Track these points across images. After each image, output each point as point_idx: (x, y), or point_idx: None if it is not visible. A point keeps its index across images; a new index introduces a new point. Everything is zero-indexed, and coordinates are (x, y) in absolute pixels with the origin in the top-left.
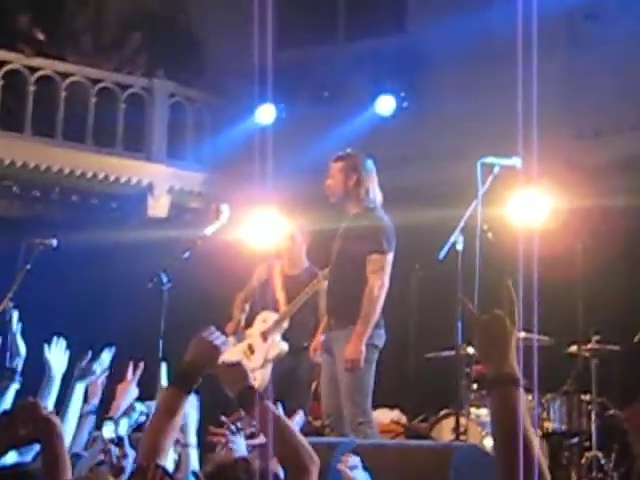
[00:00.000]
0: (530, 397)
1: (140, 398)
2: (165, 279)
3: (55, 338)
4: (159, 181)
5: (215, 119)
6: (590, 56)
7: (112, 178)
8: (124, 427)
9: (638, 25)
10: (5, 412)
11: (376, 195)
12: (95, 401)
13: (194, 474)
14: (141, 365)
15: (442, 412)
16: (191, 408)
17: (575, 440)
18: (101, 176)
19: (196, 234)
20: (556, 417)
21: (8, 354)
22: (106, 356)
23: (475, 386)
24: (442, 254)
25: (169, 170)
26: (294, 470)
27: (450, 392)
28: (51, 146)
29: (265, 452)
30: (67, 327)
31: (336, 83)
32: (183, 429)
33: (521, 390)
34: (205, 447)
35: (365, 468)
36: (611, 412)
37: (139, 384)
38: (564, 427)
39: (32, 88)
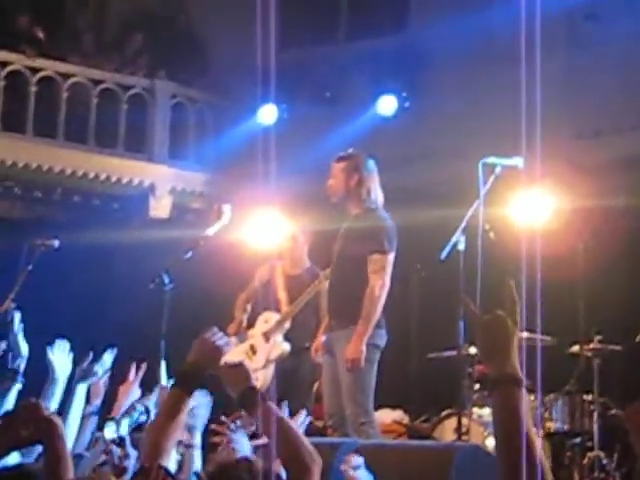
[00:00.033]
0: (532, 397)
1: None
2: (167, 279)
3: (58, 340)
4: (161, 182)
5: (217, 119)
6: (590, 56)
7: (114, 179)
8: (125, 427)
9: (638, 25)
10: (7, 413)
11: (377, 195)
12: (97, 402)
13: (196, 474)
14: (143, 366)
15: (444, 412)
16: (203, 409)
17: (577, 440)
18: (103, 177)
19: (198, 235)
20: (558, 417)
21: (10, 355)
22: (108, 357)
23: (477, 386)
24: (444, 254)
25: (171, 171)
26: (296, 470)
27: (452, 392)
28: (53, 147)
29: (267, 452)
30: (69, 328)
31: (338, 83)
32: (190, 430)
33: (523, 390)
34: (207, 447)
35: (368, 468)
36: (613, 412)
37: (141, 385)
38: (566, 427)
39: (34, 89)
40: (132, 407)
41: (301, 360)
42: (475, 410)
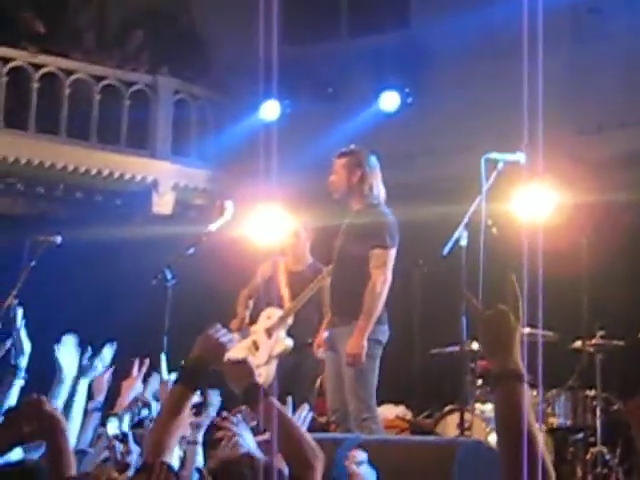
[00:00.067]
0: (535, 392)
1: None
2: (169, 275)
3: (65, 336)
4: (163, 178)
5: (219, 116)
6: (593, 51)
7: (116, 175)
8: (126, 422)
9: None
10: (10, 409)
11: (380, 191)
12: (100, 398)
13: (198, 471)
14: (146, 362)
15: (447, 408)
16: (212, 407)
17: (580, 435)
18: (105, 173)
19: (200, 231)
20: (561, 412)
21: (13, 351)
22: (107, 352)
23: (480, 382)
24: (446, 250)
25: (173, 167)
26: (299, 466)
27: (455, 388)
28: (55, 143)
29: (270, 448)
30: (72, 324)
31: (340, 79)
32: (197, 426)
33: (525, 386)
34: (208, 443)
35: (371, 464)
36: (616, 407)
37: (144, 380)
38: (569, 422)
39: (36, 85)
40: (134, 401)
41: (304, 356)
42: (478, 406)
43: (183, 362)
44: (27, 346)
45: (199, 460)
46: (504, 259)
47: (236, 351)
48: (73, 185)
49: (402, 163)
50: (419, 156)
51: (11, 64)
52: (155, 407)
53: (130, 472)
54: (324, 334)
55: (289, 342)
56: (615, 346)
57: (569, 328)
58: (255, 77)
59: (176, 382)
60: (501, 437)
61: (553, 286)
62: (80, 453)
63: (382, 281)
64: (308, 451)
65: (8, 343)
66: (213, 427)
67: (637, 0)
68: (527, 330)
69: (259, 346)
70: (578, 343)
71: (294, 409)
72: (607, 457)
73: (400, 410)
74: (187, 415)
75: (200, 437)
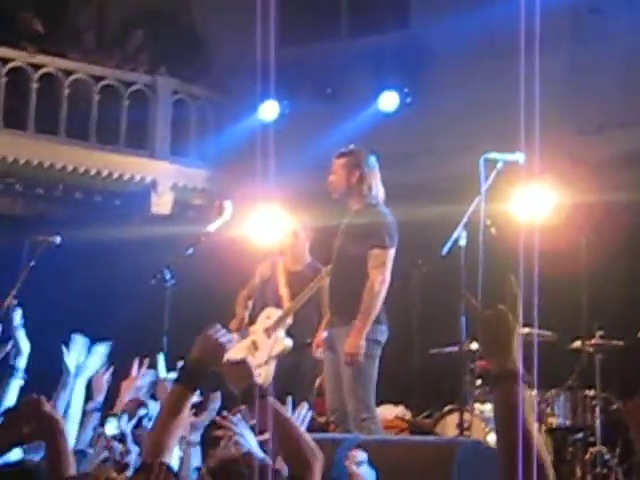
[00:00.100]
0: (534, 392)
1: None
2: (168, 275)
3: (75, 336)
4: (162, 178)
5: (218, 116)
6: (593, 51)
7: (115, 175)
8: (124, 422)
9: None
10: (9, 409)
11: (379, 191)
12: (100, 398)
13: (197, 470)
14: (146, 362)
15: (446, 408)
16: (212, 408)
17: (579, 435)
18: (104, 173)
19: (199, 231)
20: (560, 412)
21: (12, 352)
22: (100, 351)
23: (479, 382)
24: (445, 250)
25: (172, 167)
26: (298, 466)
27: (454, 388)
28: (54, 143)
29: (269, 448)
30: (71, 324)
31: (339, 79)
32: (195, 427)
33: (524, 386)
34: (208, 443)
35: (370, 464)
36: (615, 407)
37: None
38: (568, 422)
39: (35, 85)
40: (131, 404)
41: (303, 356)
42: (477, 406)
43: (182, 362)
44: (26, 346)
45: (196, 460)
46: (503, 259)
47: (235, 351)
48: (72, 185)
49: (401, 163)
50: (418, 156)
51: (10, 64)
52: (154, 406)
53: (129, 472)
54: (323, 334)
55: (288, 342)
56: (614, 346)
57: (568, 328)
58: (254, 77)
59: (176, 382)
60: (500, 437)
61: (552, 286)
62: (79, 453)
63: (380, 281)
64: (307, 451)
65: (9, 345)
66: (212, 426)
67: (637, 0)
68: (526, 330)
69: (258, 346)
70: (577, 343)
71: (293, 409)
72: (606, 457)
73: (399, 410)
74: (187, 415)
75: (198, 438)
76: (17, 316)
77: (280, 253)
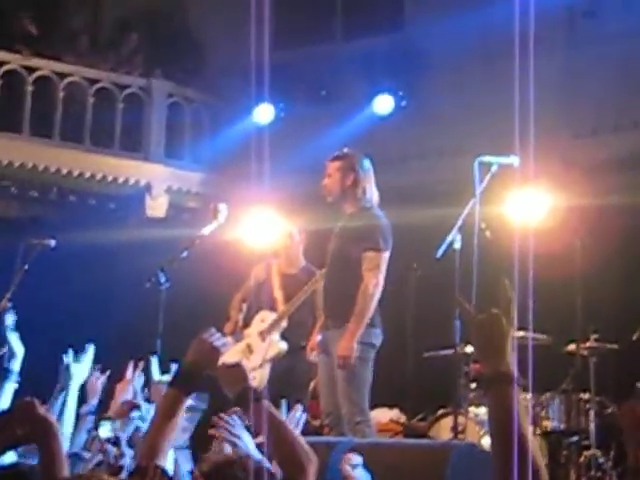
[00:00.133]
0: (528, 395)
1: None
2: (163, 278)
3: (88, 347)
4: (157, 181)
5: (213, 119)
6: (587, 55)
7: (110, 178)
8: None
9: (636, 23)
10: (2, 412)
11: (373, 194)
12: (94, 401)
13: (190, 473)
14: (140, 364)
15: (441, 411)
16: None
17: (574, 439)
18: (99, 176)
19: (194, 234)
20: (555, 416)
21: (6, 355)
22: (90, 354)
23: (473, 385)
24: (440, 253)
25: (167, 170)
26: (292, 470)
27: (448, 391)
28: (49, 146)
29: (265, 451)
30: (65, 326)
31: (334, 83)
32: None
33: (518, 389)
34: (200, 446)
35: (365, 467)
36: (610, 411)
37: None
38: (563, 426)
39: (30, 88)
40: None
41: (297, 359)
42: (471, 409)
43: (177, 366)
44: (19, 349)
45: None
46: (498, 262)
47: (230, 354)
48: (67, 188)
49: (396, 166)
50: (413, 159)
51: (5, 67)
52: (146, 408)
53: (123, 475)
54: (317, 337)
55: (283, 345)
56: (609, 349)
57: (563, 331)
58: (249, 80)
59: (170, 386)
60: (494, 440)
61: (547, 289)
62: (74, 456)
63: (374, 284)
64: (301, 455)
65: (5, 349)
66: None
67: (632, 4)
68: (521, 333)
69: (253, 349)
70: (572, 346)
71: (287, 412)
72: (601, 460)
73: (394, 413)
74: (181, 419)
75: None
76: (9, 319)
77: (274, 256)
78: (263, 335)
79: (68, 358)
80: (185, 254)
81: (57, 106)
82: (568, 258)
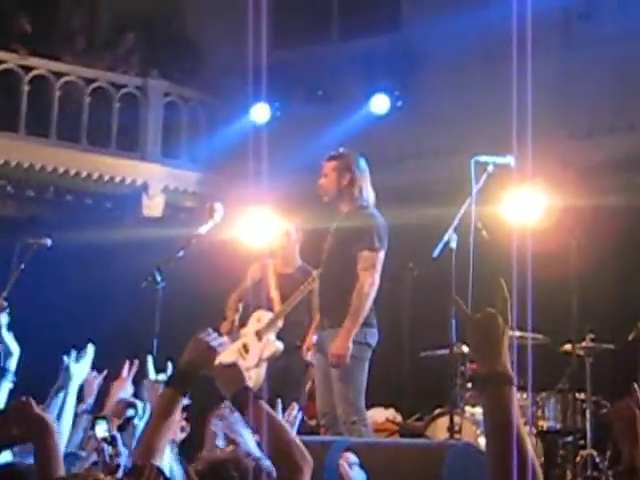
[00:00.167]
0: (525, 395)
1: (135, 395)
2: (159, 278)
3: (89, 347)
4: (154, 180)
5: (210, 118)
6: (583, 56)
7: (106, 178)
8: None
9: (631, 25)
10: None
11: (369, 194)
12: (90, 400)
13: (185, 472)
14: (136, 362)
15: (437, 411)
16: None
17: (570, 438)
18: (95, 176)
19: (190, 233)
20: (551, 415)
21: (2, 353)
22: (90, 354)
23: (470, 385)
24: (436, 252)
25: (164, 169)
26: (287, 469)
27: (445, 391)
28: (45, 146)
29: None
30: (62, 326)
31: (330, 82)
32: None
33: (514, 389)
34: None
35: (362, 467)
36: (605, 410)
37: (133, 382)
38: (559, 425)
39: (26, 88)
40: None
41: (293, 359)
42: (468, 408)
43: (174, 366)
44: (15, 348)
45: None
46: (494, 261)
47: (226, 354)
48: (63, 188)
49: (392, 165)
50: (409, 158)
51: (1, 66)
52: (140, 406)
53: (119, 474)
54: (313, 337)
55: (279, 345)
56: (605, 349)
57: (559, 331)
58: (246, 79)
59: (167, 385)
60: (489, 439)
61: (543, 289)
62: (71, 456)
63: (370, 283)
64: (297, 454)
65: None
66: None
67: (627, 6)
68: (517, 333)
69: (249, 349)
70: (568, 346)
71: (283, 412)
72: (597, 460)
73: (390, 413)
74: (178, 418)
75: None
76: (3, 318)
77: (271, 255)
78: (259, 335)
79: (69, 359)
80: (181, 253)
81: (54, 105)
82: (564, 258)
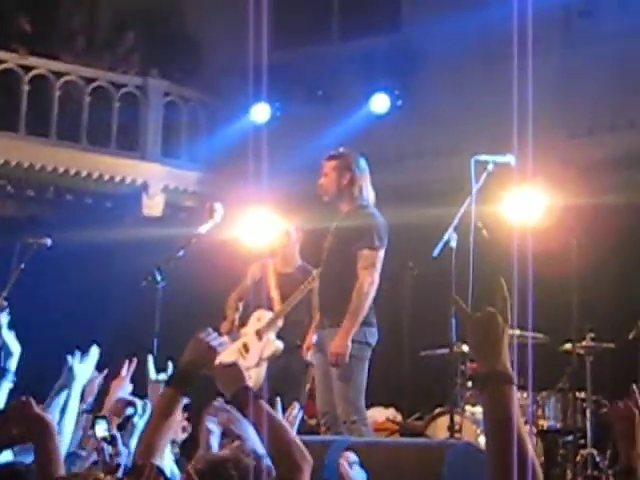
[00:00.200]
0: (525, 395)
1: (134, 394)
2: (159, 277)
3: (93, 348)
4: (154, 180)
5: (210, 118)
6: (584, 54)
7: (106, 177)
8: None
9: (631, 23)
10: None
11: (369, 193)
12: (90, 400)
13: (185, 471)
14: (135, 361)
15: (437, 410)
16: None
17: (570, 438)
18: (95, 175)
19: (190, 233)
20: (551, 415)
21: (2, 353)
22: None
23: (470, 384)
24: (436, 251)
25: (164, 169)
26: (287, 469)
27: (445, 390)
28: (45, 145)
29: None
30: (62, 325)
31: (331, 82)
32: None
33: (514, 388)
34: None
35: (362, 466)
36: (606, 410)
37: (133, 380)
38: (559, 425)
39: (26, 87)
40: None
41: (292, 358)
42: (468, 408)
43: (174, 366)
44: (16, 348)
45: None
46: (494, 261)
47: (226, 354)
48: (63, 187)
49: (393, 165)
50: (409, 158)
51: (1, 66)
52: (140, 404)
53: (119, 474)
54: (313, 337)
55: (279, 344)
56: (605, 348)
57: (559, 330)
58: (246, 79)
59: (167, 385)
60: (489, 439)
61: (543, 288)
62: (72, 455)
63: (369, 282)
64: (297, 454)
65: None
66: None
67: (627, 4)
68: (517, 332)
69: (249, 348)
70: (568, 345)
71: (283, 411)
72: (597, 459)
73: (390, 412)
74: (178, 418)
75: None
76: (5, 318)
77: (271, 255)
78: (259, 334)
79: (73, 359)
80: (181, 253)
81: (53, 105)
82: (564, 257)
